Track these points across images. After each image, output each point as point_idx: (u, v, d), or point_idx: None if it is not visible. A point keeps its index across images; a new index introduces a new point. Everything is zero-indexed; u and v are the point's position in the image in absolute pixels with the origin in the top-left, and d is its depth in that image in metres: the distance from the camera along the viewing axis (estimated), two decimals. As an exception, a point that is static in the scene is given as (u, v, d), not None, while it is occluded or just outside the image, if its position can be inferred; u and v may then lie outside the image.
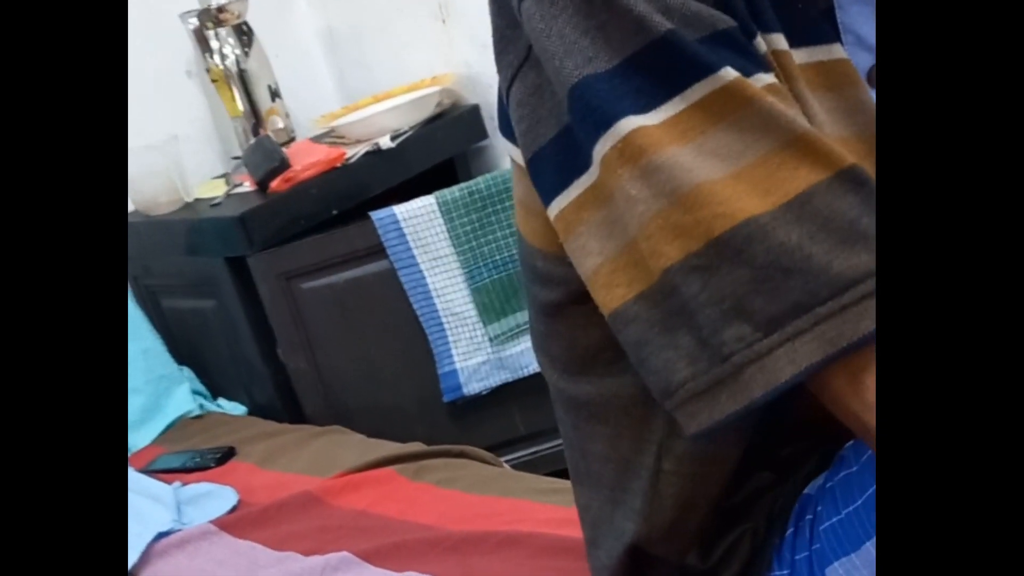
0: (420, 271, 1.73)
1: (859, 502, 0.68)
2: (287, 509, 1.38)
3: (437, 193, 1.75)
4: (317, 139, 2.09)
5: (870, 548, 0.67)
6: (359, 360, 1.75)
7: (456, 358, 1.74)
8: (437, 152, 1.92)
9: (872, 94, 0.67)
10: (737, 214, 0.56)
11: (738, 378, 0.57)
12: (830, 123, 0.64)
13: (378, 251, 1.72)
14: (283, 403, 1.76)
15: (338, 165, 1.81)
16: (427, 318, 1.73)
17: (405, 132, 1.90)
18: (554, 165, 0.64)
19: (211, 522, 1.40)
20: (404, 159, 1.86)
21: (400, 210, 1.72)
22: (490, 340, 1.74)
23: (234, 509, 1.45)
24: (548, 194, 0.65)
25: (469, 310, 1.74)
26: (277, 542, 1.32)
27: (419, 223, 1.73)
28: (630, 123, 0.58)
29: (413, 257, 1.72)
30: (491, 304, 1.73)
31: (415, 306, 1.73)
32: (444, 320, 1.74)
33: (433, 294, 1.73)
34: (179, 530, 1.39)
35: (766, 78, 0.60)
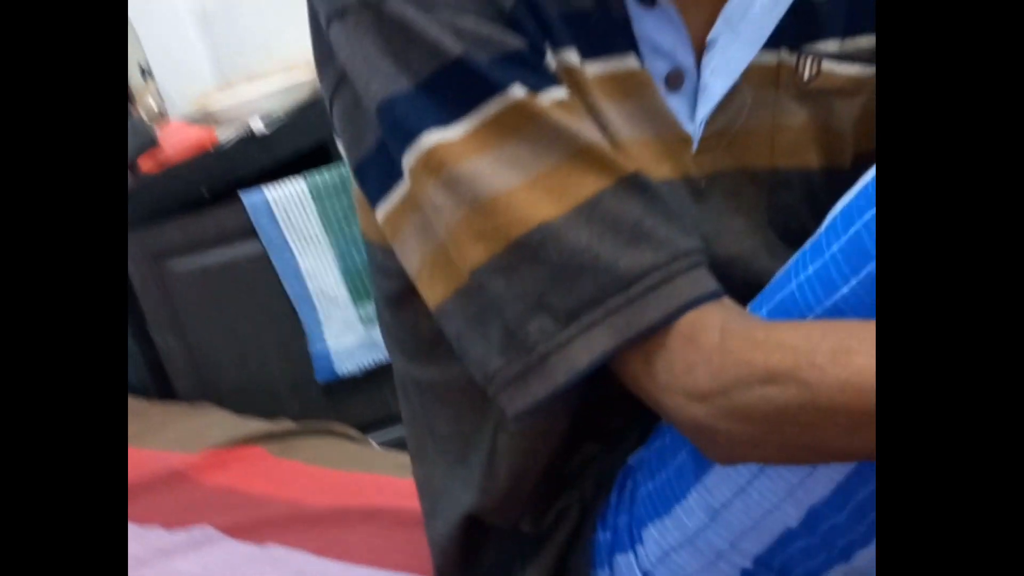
0: (292, 253, 1.76)
1: (670, 470, 0.75)
2: (153, 486, 1.40)
3: (308, 176, 1.77)
4: (191, 120, 2.09)
5: (678, 511, 0.74)
6: (231, 339, 1.76)
7: (328, 338, 1.77)
8: (310, 136, 1.94)
9: (668, 98, 0.73)
10: (532, 219, 0.62)
11: (544, 365, 0.63)
12: (627, 128, 0.70)
13: (250, 232, 1.74)
14: (153, 381, 1.77)
15: (210, 148, 1.82)
16: (299, 299, 1.76)
17: (279, 115, 1.91)
18: (376, 173, 0.69)
19: (76, 500, 1.40)
20: (277, 143, 1.87)
21: (271, 193, 1.74)
22: (362, 321, 1.78)
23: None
24: (373, 199, 0.70)
25: (341, 291, 1.77)
26: (140, 517, 1.34)
27: (290, 205, 1.75)
28: (431, 138, 0.63)
29: (284, 239, 1.75)
30: (363, 286, 1.77)
31: (287, 287, 1.76)
32: (316, 301, 1.77)
33: (305, 276, 1.76)
34: (43, 508, 1.40)
35: (556, 92, 0.65)
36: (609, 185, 0.63)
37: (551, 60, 0.67)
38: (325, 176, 1.77)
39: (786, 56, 0.76)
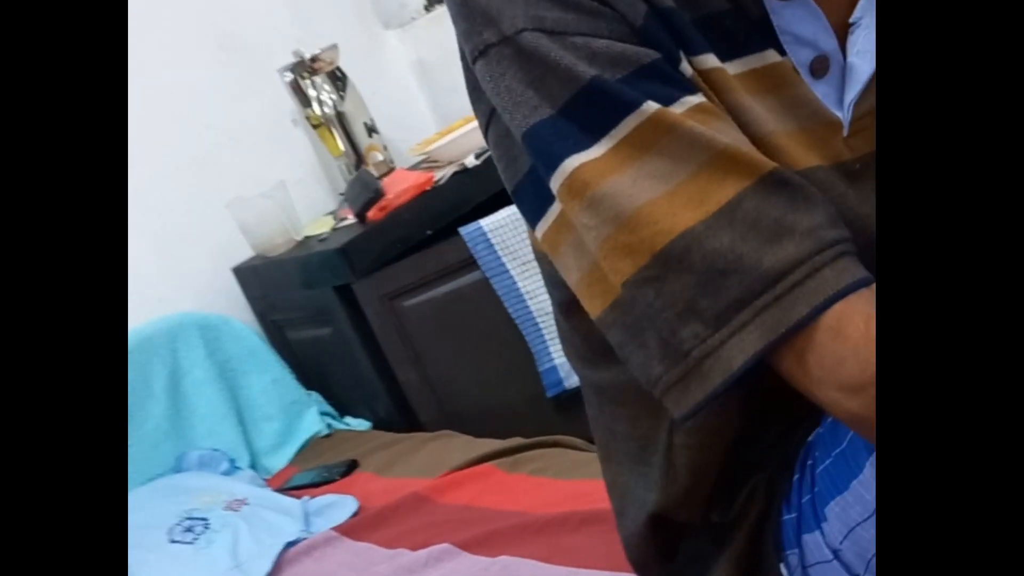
0: (511, 277, 1.82)
1: (844, 444, 0.73)
2: (398, 510, 1.50)
3: (521, 201, 1.82)
4: (415, 166, 2.21)
5: (856, 486, 0.72)
6: (464, 366, 1.85)
7: (554, 354, 1.81)
8: (521, 162, 2.00)
9: (814, 85, 0.72)
10: (674, 228, 0.63)
11: (700, 369, 0.64)
12: (773, 121, 0.70)
13: (471, 263, 1.82)
14: (401, 414, 1.88)
15: (428, 188, 1.92)
16: (523, 320, 1.82)
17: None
18: (532, 196, 0.72)
19: (333, 529, 1.53)
20: (490, 174, 1.93)
21: (486, 223, 1.81)
22: (587, 334, 1.80)
23: (355, 515, 1.58)
24: (532, 220, 0.73)
25: (563, 308, 1.81)
26: (389, 541, 1.43)
27: (505, 232, 1.81)
28: (573, 161, 0.66)
29: (503, 265, 1.81)
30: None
31: (510, 310, 1.82)
32: (539, 320, 1.82)
33: (526, 297, 1.82)
34: (306, 539, 1.53)
35: (692, 100, 0.66)
36: (749, 185, 0.63)
37: (687, 67, 0.68)
38: (535, 199, 1.81)
39: None
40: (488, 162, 1.95)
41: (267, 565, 1.47)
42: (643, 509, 0.83)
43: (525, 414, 1.81)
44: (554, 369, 1.82)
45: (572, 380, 1.82)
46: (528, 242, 1.82)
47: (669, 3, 0.68)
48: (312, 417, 1.99)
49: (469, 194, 1.93)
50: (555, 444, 1.55)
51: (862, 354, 0.59)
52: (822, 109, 0.72)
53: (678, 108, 0.65)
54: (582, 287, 0.70)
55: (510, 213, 1.83)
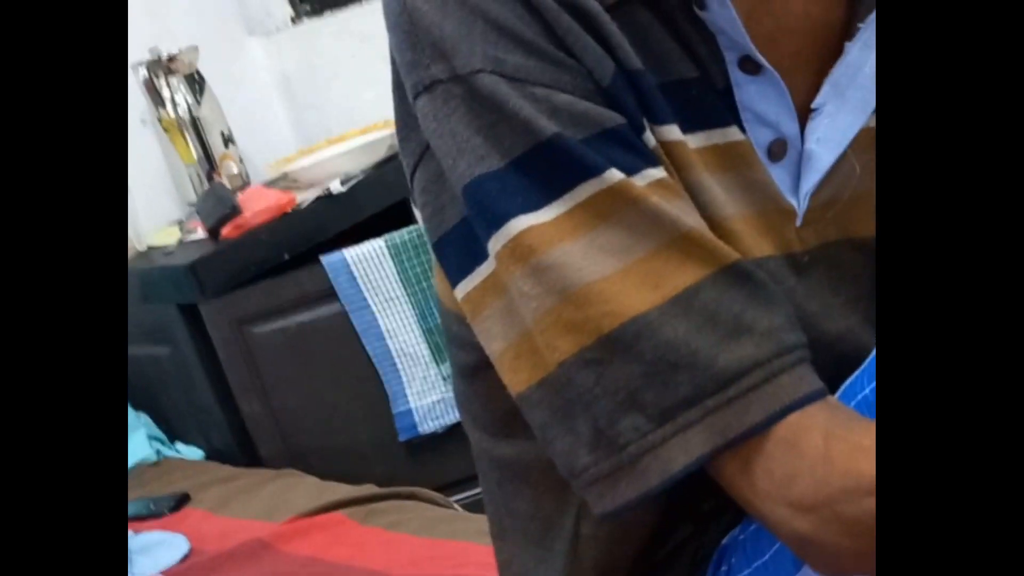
0: (372, 313, 1.75)
1: (767, 557, 0.70)
2: (238, 557, 1.40)
3: (387, 236, 1.77)
4: (272, 184, 2.11)
5: None
6: (314, 402, 1.77)
7: (410, 398, 1.76)
8: (389, 194, 1.94)
9: (770, 167, 0.69)
10: (625, 311, 0.59)
11: (635, 466, 0.59)
12: (731, 202, 0.66)
13: (330, 294, 1.75)
14: (239, 447, 1.78)
15: (289, 211, 1.84)
16: (380, 359, 1.76)
17: (357, 175, 1.92)
18: (458, 250, 0.66)
19: (162, 572, 1.41)
20: (356, 202, 1.88)
21: (350, 253, 1.74)
22: (444, 379, 1.76)
23: (186, 558, 1.47)
24: (455, 277, 0.67)
25: (422, 350, 1.76)
26: (227, 590, 1.33)
27: (369, 266, 1.75)
28: (520, 223, 0.60)
29: (364, 299, 1.75)
30: (444, 344, 1.75)
31: (368, 347, 1.75)
32: (397, 360, 1.76)
33: (386, 335, 1.75)
34: (129, 581, 1.40)
35: (654, 173, 0.62)
36: (709, 274, 0.59)
37: (649, 136, 0.64)
38: (404, 234, 1.76)
39: None
40: (354, 190, 1.89)
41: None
42: None
43: (375, 457, 1.75)
44: (409, 412, 1.76)
45: (427, 426, 1.76)
46: (393, 278, 1.76)
47: (637, 65, 0.64)
48: (139, 441, 1.85)
49: (332, 221, 1.86)
50: (412, 496, 1.49)
51: (818, 472, 0.56)
52: (778, 195, 0.69)
53: (640, 180, 0.61)
54: (506, 358, 0.64)
55: (376, 246, 1.76)
